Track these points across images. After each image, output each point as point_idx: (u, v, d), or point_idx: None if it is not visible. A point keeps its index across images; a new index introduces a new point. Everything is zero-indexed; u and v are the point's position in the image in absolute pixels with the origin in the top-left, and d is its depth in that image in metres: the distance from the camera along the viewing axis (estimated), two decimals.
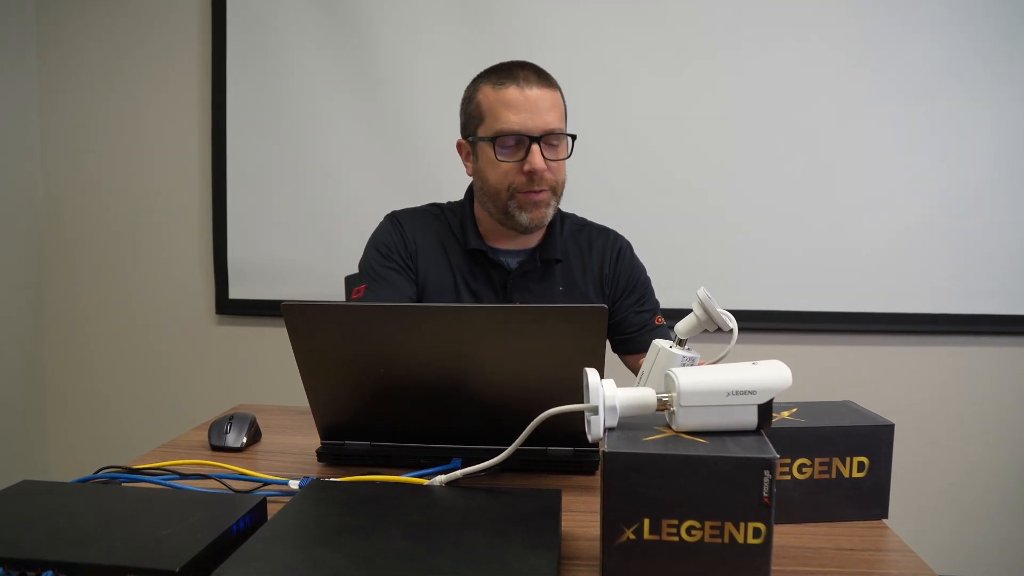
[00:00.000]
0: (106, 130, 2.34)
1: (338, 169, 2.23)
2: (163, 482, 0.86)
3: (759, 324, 2.08)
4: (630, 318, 1.41)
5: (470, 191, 1.41)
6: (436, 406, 0.94)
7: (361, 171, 2.22)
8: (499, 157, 1.27)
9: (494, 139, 1.26)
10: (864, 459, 0.77)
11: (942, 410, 2.16)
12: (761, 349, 2.10)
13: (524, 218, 1.29)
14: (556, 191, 1.31)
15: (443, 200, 1.47)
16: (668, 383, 0.65)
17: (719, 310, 0.87)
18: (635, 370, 1.09)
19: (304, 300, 0.86)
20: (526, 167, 1.25)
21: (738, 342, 1.00)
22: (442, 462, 0.95)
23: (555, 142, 1.28)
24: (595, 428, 0.63)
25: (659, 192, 2.14)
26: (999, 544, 2.17)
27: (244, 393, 2.23)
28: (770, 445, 0.60)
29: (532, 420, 0.70)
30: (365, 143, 2.21)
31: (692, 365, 0.93)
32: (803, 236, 2.12)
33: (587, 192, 2.08)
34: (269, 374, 2.27)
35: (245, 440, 1.07)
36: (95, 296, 2.39)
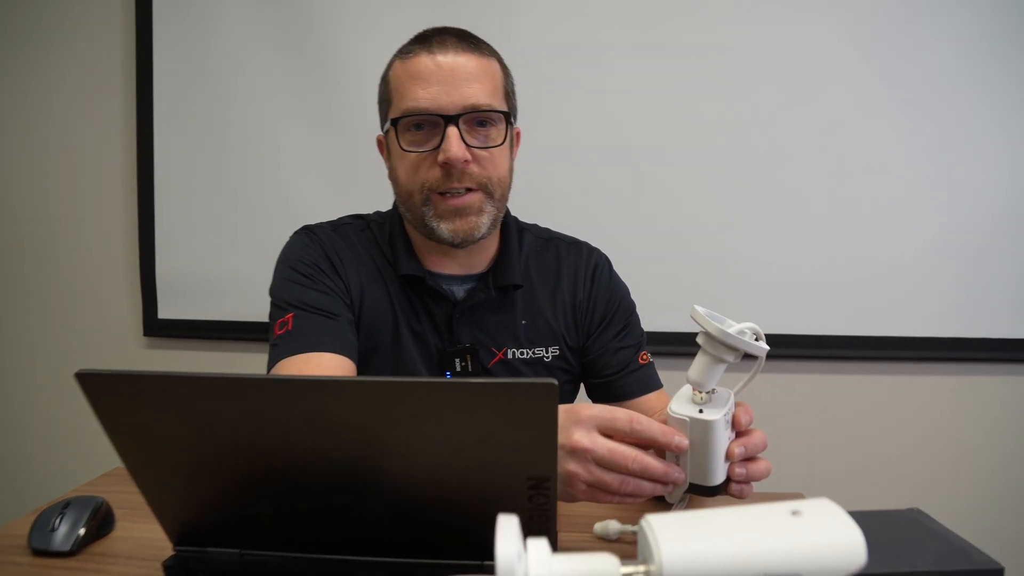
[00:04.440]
0: (12, 129, 2.05)
1: (282, 173, 1.95)
2: None
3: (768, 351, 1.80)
4: (609, 356, 1.12)
5: None
6: (328, 506, 0.67)
7: (309, 176, 1.93)
8: (404, 146, 0.98)
9: (397, 121, 0.98)
10: None
11: (983, 447, 1.88)
12: (764, 378, 1.83)
13: (444, 230, 1.00)
14: (490, 191, 1.01)
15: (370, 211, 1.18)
16: (643, 546, 0.37)
17: (740, 334, 0.70)
18: None
19: (109, 369, 0.58)
20: (440, 157, 0.96)
21: (735, 371, 0.75)
22: None
23: (482, 123, 0.99)
24: None
25: (648, 198, 1.86)
26: None
27: None
28: None
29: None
30: (313, 144, 1.92)
31: (730, 417, 0.74)
32: (814, 249, 1.83)
33: (564, 197, 1.83)
34: None
35: (81, 534, 0.78)
36: (3, 317, 2.10)
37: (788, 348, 1.84)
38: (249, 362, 1.97)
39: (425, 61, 0.96)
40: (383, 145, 1.08)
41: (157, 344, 2.07)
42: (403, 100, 0.98)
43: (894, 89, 1.79)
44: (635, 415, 0.72)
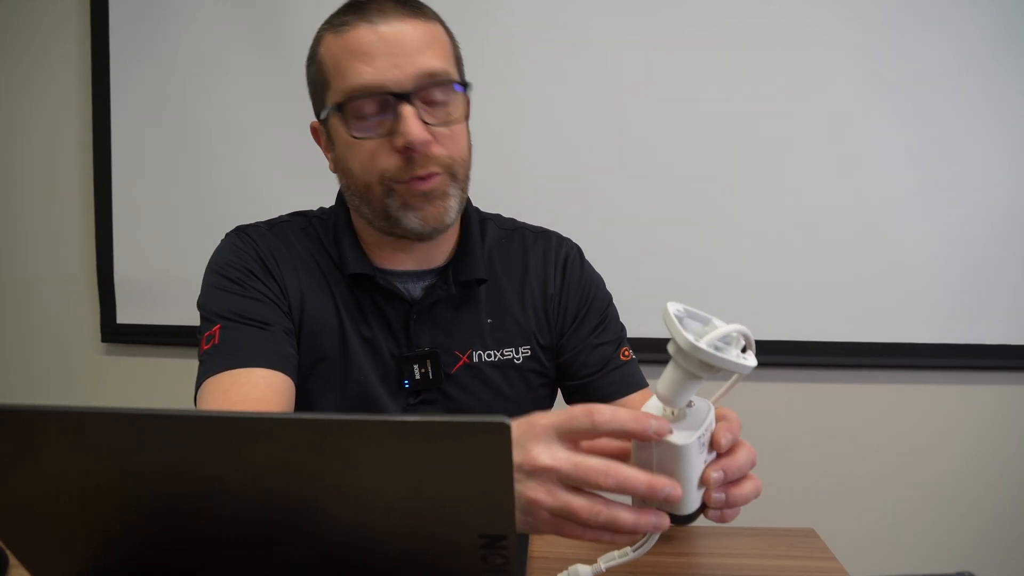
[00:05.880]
0: None
1: (249, 168, 1.84)
2: None
3: (761, 358, 1.68)
4: (586, 354, 1.01)
5: (342, 193, 1.01)
6: (238, 565, 0.56)
7: (275, 172, 1.83)
8: (354, 132, 0.86)
9: (343, 106, 0.86)
10: None
11: (986, 456, 1.79)
12: (763, 388, 1.75)
13: (413, 220, 0.88)
14: (454, 172, 0.89)
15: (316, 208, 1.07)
16: None
17: (724, 338, 0.57)
18: None
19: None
20: (397, 141, 0.84)
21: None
22: None
23: (439, 97, 0.87)
24: None
25: (642, 197, 1.75)
26: None
27: None
28: None
29: None
30: (280, 139, 1.81)
31: (708, 436, 0.61)
32: (812, 251, 1.73)
33: (553, 195, 1.73)
34: None
35: None
36: None
37: (783, 355, 1.75)
38: None
39: (365, 33, 0.84)
40: (319, 133, 0.97)
41: (116, 350, 1.97)
42: (344, 80, 0.86)
43: (893, 90, 1.70)
44: (593, 405, 0.58)
